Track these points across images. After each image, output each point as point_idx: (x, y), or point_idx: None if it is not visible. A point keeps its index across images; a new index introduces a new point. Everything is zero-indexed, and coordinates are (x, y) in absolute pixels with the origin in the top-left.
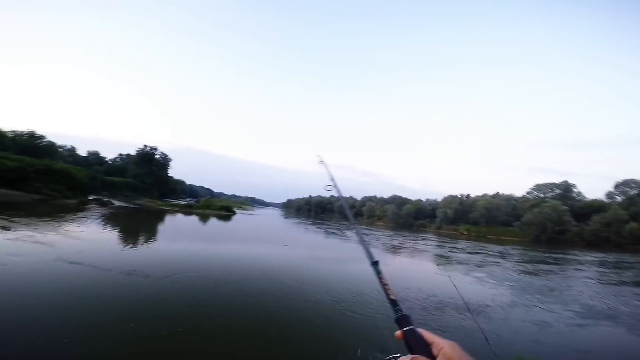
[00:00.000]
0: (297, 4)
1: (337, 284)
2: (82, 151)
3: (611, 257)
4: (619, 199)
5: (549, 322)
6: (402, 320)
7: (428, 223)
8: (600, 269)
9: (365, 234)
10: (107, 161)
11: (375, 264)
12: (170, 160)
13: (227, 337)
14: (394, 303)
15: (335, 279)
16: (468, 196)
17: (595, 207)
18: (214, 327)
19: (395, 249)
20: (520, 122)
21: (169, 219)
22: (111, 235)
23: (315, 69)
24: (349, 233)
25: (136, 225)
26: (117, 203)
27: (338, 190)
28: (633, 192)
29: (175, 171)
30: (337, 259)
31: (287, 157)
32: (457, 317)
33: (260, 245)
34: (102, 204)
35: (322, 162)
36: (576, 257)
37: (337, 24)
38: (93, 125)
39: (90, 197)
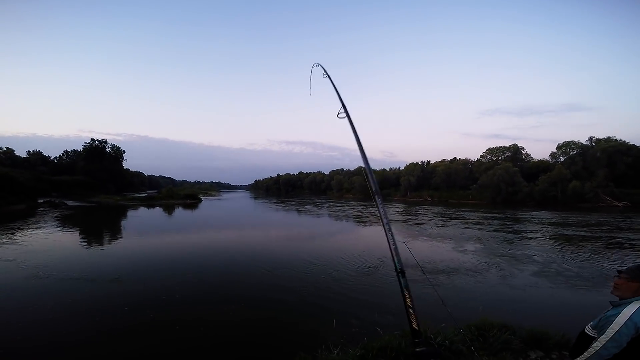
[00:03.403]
0: None
1: (314, 262)
2: (21, 152)
3: (558, 215)
4: (561, 159)
5: (507, 282)
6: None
7: (394, 191)
8: (550, 228)
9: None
10: (52, 160)
11: (401, 273)
12: (123, 152)
13: (218, 327)
14: (415, 334)
15: (313, 257)
16: (428, 163)
17: (542, 167)
18: (207, 321)
19: (359, 218)
20: (475, 92)
21: (131, 214)
22: (76, 239)
23: (276, 49)
24: (316, 209)
25: (99, 225)
26: (70, 203)
27: (353, 129)
28: (573, 152)
29: (131, 164)
30: (312, 236)
31: (252, 138)
32: (415, 280)
33: (235, 230)
34: (54, 205)
35: (326, 75)
36: (528, 217)
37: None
38: (29, 123)
39: (40, 200)
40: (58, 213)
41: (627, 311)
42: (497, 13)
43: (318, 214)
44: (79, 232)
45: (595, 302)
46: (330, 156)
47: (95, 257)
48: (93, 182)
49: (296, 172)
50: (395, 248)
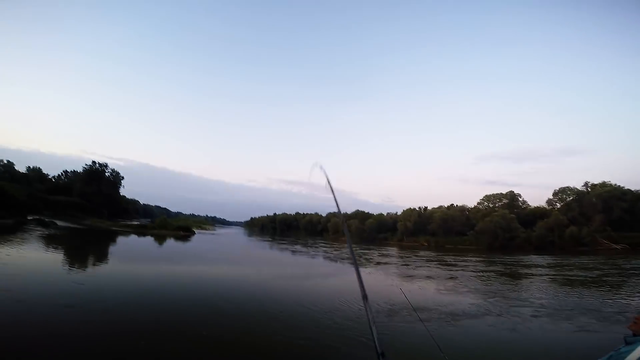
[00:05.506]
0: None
1: (306, 300)
2: (21, 167)
3: (557, 259)
4: (558, 205)
5: (506, 325)
6: None
7: (390, 236)
8: (549, 271)
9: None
10: (50, 179)
11: (364, 298)
12: (122, 178)
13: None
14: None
15: (306, 295)
16: (425, 209)
17: (539, 213)
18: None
19: (359, 263)
20: (471, 137)
21: (121, 240)
22: (58, 261)
23: (283, 84)
24: (306, 249)
25: (86, 248)
26: (61, 224)
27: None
28: (569, 198)
29: (128, 190)
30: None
31: (251, 175)
32: (412, 326)
33: (224, 266)
34: (43, 224)
35: (321, 169)
36: (526, 261)
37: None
38: (35, 139)
39: (30, 217)
40: (45, 232)
41: None
42: (489, 59)
43: (311, 255)
44: (62, 254)
45: (601, 343)
46: (327, 198)
47: (76, 282)
48: (87, 205)
49: (293, 212)
50: (375, 326)
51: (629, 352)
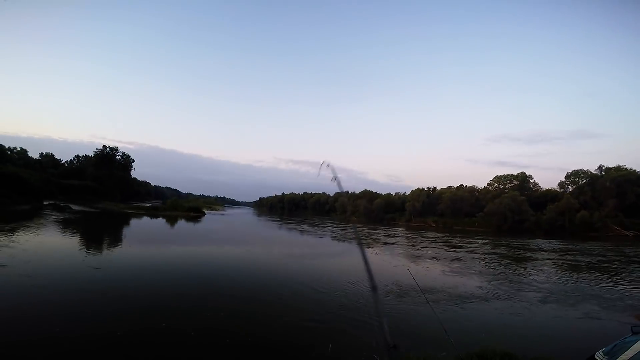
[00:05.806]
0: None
1: (313, 280)
2: (34, 153)
3: (565, 244)
4: (570, 188)
5: (511, 308)
6: None
7: (398, 216)
8: (556, 256)
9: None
10: (62, 164)
11: (374, 289)
12: (132, 161)
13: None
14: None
15: (312, 275)
16: (434, 189)
17: (550, 196)
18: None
19: (366, 243)
20: (482, 118)
21: (134, 222)
22: (75, 245)
23: (294, 67)
24: (313, 229)
25: (99, 231)
26: (75, 207)
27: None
28: (582, 181)
29: (139, 173)
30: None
31: (259, 155)
32: (418, 309)
33: (233, 246)
34: (58, 208)
35: (328, 165)
36: (534, 245)
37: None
38: (45, 126)
39: (45, 202)
40: (61, 216)
41: None
42: (505, 38)
43: (318, 235)
44: (79, 237)
45: (606, 331)
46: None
47: (94, 266)
48: (100, 188)
49: (301, 192)
50: (386, 318)
51: (634, 342)
